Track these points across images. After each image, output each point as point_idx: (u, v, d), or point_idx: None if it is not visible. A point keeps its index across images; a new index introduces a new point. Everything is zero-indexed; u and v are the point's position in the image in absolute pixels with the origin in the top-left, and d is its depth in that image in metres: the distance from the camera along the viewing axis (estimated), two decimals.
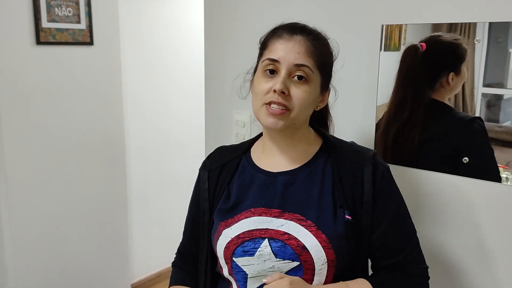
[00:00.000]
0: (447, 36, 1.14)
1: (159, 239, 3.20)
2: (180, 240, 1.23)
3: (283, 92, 0.94)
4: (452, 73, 1.14)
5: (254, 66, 1.05)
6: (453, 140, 1.16)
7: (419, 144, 1.21)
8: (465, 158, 1.14)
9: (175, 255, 1.23)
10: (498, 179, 1.10)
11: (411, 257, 1.00)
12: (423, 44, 1.17)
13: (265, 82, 0.97)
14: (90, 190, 2.67)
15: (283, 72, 0.94)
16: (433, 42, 1.16)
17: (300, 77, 0.95)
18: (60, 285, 2.59)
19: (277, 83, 0.94)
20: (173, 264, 1.22)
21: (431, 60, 1.17)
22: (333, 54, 1.04)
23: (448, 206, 1.19)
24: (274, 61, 0.96)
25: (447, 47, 1.14)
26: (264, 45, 1.02)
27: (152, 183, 3.18)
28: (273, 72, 0.96)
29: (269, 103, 0.95)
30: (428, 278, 1.02)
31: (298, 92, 0.95)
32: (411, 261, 1.00)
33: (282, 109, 0.95)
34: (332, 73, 1.05)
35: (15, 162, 2.33)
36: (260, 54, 1.02)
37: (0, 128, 2.26)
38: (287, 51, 0.95)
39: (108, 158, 2.75)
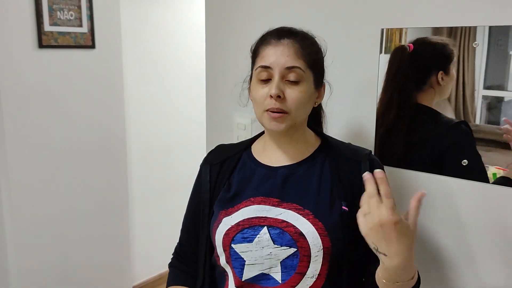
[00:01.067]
0: (434, 37, 1.15)
1: (160, 241, 3.19)
2: (178, 241, 1.24)
3: (279, 96, 0.97)
4: (441, 72, 1.15)
5: (250, 74, 1.08)
6: (442, 142, 1.17)
7: (406, 146, 1.23)
8: (464, 160, 1.14)
9: (172, 256, 1.24)
10: (486, 180, 1.12)
11: None
12: (411, 45, 1.18)
13: (261, 88, 1.00)
14: (91, 192, 2.67)
15: (276, 77, 0.98)
16: (420, 43, 1.17)
17: (293, 78, 0.98)
18: (62, 286, 2.58)
19: (272, 88, 0.97)
20: (170, 265, 1.24)
21: (419, 60, 1.18)
22: (322, 51, 1.06)
23: (440, 209, 1.19)
24: (266, 67, 0.99)
25: (435, 47, 1.15)
26: (255, 53, 1.05)
27: (154, 185, 3.18)
28: (267, 78, 0.99)
29: (269, 110, 0.99)
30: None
31: (293, 93, 0.98)
32: None
33: (281, 113, 0.98)
34: (325, 68, 1.08)
35: (18, 164, 2.33)
36: (253, 63, 1.06)
37: (3, 130, 2.26)
38: (277, 56, 0.98)
39: (109, 160, 2.75)
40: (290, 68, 0.97)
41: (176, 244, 1.25)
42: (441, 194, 1.19)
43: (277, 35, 1.01)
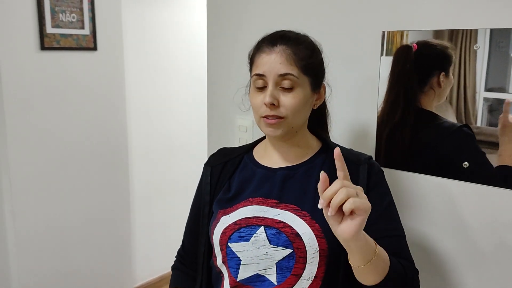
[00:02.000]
0: (434, 40, 1.16)
1: (161, 243, 3.20)
2: (181, 243, 1.24)
3: (273, 104, 0.98)
4: (442, 73, 1.15)
5: (250, 79, 1.09)
6: (444, 145, 1.17)
7: (409, 149, 1.22)
8: (465, 163, 1.14)
9: (175, 258, 1.25)
10: (497, 180, 1.10)
11: (404, 253, 1.01)
12: (415, 45, 1.18)
13: (257, 96, 1.02)
14: (93, 194, 2.68)
15: (270, 84, 0.99)
16: (423, 44, 1.17)
17: (287, 85, 0.99)
18: None
19: (266, 96, 0.98)
20: (173, 267, 1.24)
21: (423, 60, 1.18)
22: (319, 52, 1.06)
23: (440, 210, 1.19)
24: (261, 75, 1.00)
25: (436, 48, 1.16)
26: (251, 61, 1.06)
27: (155, 187, 3.18)
28: (262, 85, 1.01)
29: (265, 117, 1.00)
30: (419, 281, 1.02)
31: (287, 100, 0.99)
32: (405, 257, 1.01)
33: (277, 119, 0.99)
34: (325, 68, 1.07)
35: (20, 166, 2.33)
36: (250, 70, 1.07)
37: (5, 132, 2.26)
38: (270, 64, 0.99)
39: (111, 162, 2.75)
40: (283, 75, 0.98)
41: (178, 246, 1.25)
42: (444, 197, 1.19)
43: (270, 42, 1.01)
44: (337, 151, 0.83)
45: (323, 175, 0.81)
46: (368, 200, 1.00)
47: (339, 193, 0.78)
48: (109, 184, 2.75)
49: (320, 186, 0.81)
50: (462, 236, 1.17)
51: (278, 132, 1.01)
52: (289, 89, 0.99)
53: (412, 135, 1.22)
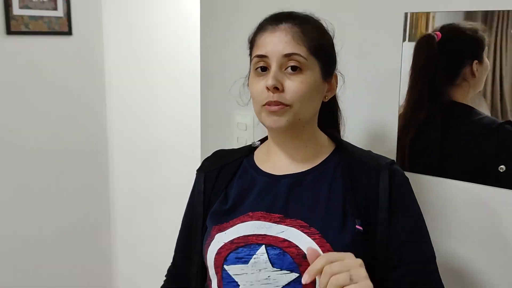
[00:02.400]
0: (462, 23, 1.15)
1: (147, 260, 3.19)
2: (171, 261, 1.24)
3: (276, 88, 0.97)
4: (476, 61, 1.15)
5: (249, 68, 1.08)
6: (482, 146, 1.17)
7: (440, 151, 1.22)
8: (502, 166, 1.14)
9: (164, 277, 1.25)
10: None
11: (432, 279, 1.00)
12: (438, 33, 1.18)
13: (258, 81, 1.01)
14: (68, 204, 2.68)
15: (273, 66, 0.98)
16: (448, 30, 1.17)
17: (293, 68, 0.98)
18: None
19: (268, 79, 0.97)
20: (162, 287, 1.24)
21: (450, 49, 1.18)
22: (330, 36, 1.06)
23: (476, 220, 1.19)
24: (262, 57, 1.00)
25: (465, 33, 1.16)
26: (252, 43, 1.06)
27: (140, 195, 3.18)
28: (265, 69, 1.00)
29: (266, 104, 0.99)
30: None
31: (293, 84, 0.98)
32: (434, 283, 1.00)
33: (280, 106, 0.98)
34: (336, 56, 1.07)
35: None
36: (250, 54, 1.07)
37: None
38: (274, 43, 0.99)
39: (88, 166, 2.75)
40: (288, 56, 0.98)
41: (166, 263, 1.25)
42: (479, 207, 1.19)
43: (274, 21, 1.01)
44: (308, 251, 0.85)
45: (308, 251, 0.82)
46: (392, 222, 0.99)
47: (329, 285, 0.79)
48: (86, 191, 2.75)
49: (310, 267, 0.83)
50: (501, 253, 1.17)
51: (282, 122, 0.99)
52: (296, 72, 0.98)
53: (441, 134, 1.21)
